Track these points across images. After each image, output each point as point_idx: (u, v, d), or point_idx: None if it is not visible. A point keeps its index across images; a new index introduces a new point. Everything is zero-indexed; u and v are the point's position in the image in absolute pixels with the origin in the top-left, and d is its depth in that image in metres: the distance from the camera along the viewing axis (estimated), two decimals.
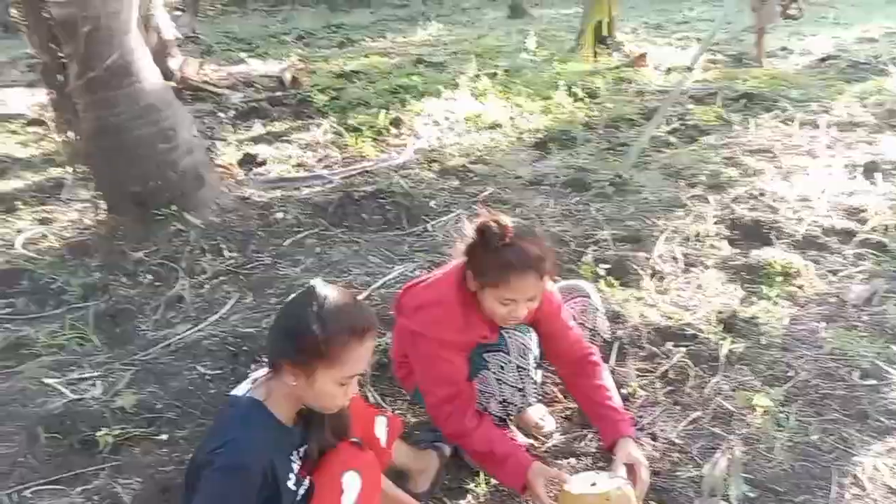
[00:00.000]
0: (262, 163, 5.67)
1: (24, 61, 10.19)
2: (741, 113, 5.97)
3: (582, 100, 6.60)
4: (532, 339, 2.26)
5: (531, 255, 2.04)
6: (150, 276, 3.87)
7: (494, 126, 6.35)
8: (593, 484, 1.99)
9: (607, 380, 2.34)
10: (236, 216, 4.31)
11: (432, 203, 4.68)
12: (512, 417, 2.43)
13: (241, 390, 1.79)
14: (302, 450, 1.79)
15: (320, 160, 5.78)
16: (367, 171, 5.38)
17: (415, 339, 2.24)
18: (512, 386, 2.25)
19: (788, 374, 2.72)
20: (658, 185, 4.67)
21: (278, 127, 6.87)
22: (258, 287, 3.73)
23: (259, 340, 3.20)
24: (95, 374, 3.10)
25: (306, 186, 5.06)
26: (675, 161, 5.00)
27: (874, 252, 3.56)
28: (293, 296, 1.82)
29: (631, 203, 4.42)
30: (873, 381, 2.63)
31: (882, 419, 2.44)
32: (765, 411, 2.52)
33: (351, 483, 1.75)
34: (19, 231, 4.58)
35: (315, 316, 1.64)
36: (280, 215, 4.41)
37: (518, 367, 2.23)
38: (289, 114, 7.40)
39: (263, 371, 1.81)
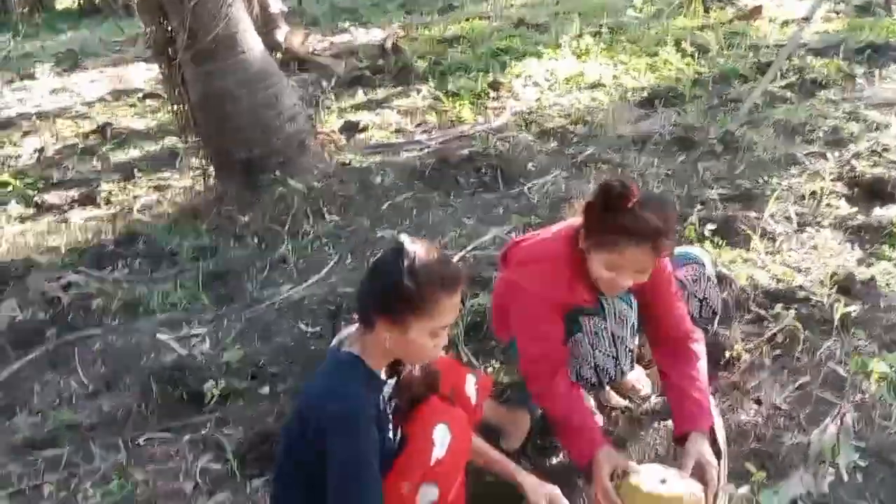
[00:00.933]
0: (363, 129, 5.74)
1: (143, 37, 10.72)
2: (865, 65, 5.52)
3: (691, 56, 6.28)
4: (632, 309, 2.17)
5: (650, 226, 1.91)
6: (255, 239, 4.02)
7: (596, 85, 6.15)
8: (663, 481, 1.89)
9: (702, 369, 2.18)
10: (337, 181, 4.39)
11: (530, 165, 4.61)
12: (605, 385, 2.36)
13: (336, 346, 1.84)
14: (393, 402, 1.83)
15: (418, 125, 5.79)
16: (464, 135, 5.35)
17: (516, 293, 2.19)
18: (605, 353, 2.18)
19: None
20: (772, 142, 4.41)
21: (380, 94, 6.93)
22: (357, 249, 3.81)
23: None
24: (204, 330, 3.26)
25: (404, 151, 5.09)
26: (790, 117, 4.69)
27: None
28: (382, 252, 1.83)
29: (741, 161, 4.19)
30: None
31: None
32: (881, 378, 2.35)
33: (442, 436, 1.77)
34: (136, 198, 4.86)
35: (406, 270, 1.68)
36: (378, 180, 4.46)
37: (613, 334, 2.15)
38: (390, 81, 7.45)
39: (353, 328, 1.85)
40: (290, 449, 1.79)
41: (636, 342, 2.31)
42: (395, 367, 1.83)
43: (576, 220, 2.12)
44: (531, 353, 2.15)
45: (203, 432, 2.60)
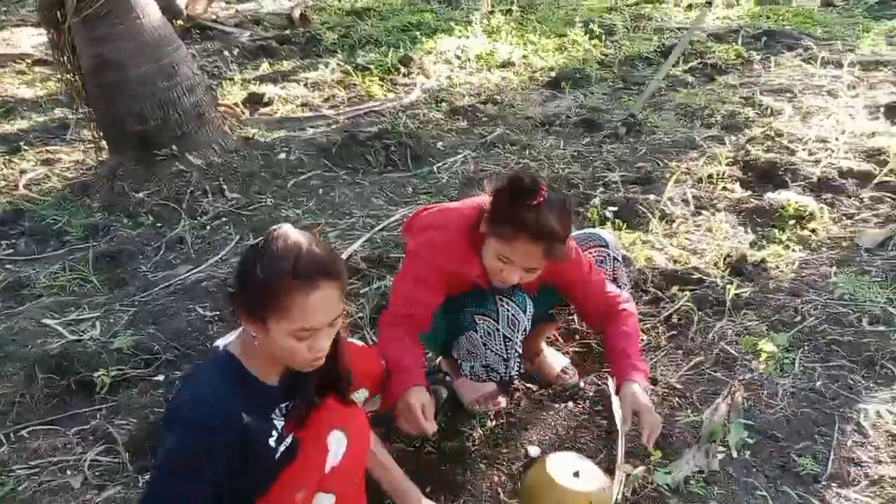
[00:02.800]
0: (268, 103, 5.56)
1: None
2: (762, 51, 5.74)
3: (598, 37, 6.38)
4: (526, 314, 2.17)
5: (548, 227, 1.92)
6: (151, 217, 3.84)
7: (506, 65, 6.17)
8: (576, 474, 1.91)
9: (632, 325, 2.24)
10: (239, 156, 4.24)
11: (439, 144, 4.58)
12: (493, 380, 2.36)
13: (223, 341, 1.69)
14: (285, 406, 1.70)
15: (326, 100, 5.66)
16: (373, 111, 5.27)
17: (410, 258, 2.19)
18: (497, 354, 2.20)
19: (795, 319, 2.65)
20: (672, 125, 4.53)
21: (286, 66, 6.73)
22: (260, 228, 3.68)
23: None
24: (94, 314, 3.10)
25: (311, 126, 4.97)
26: (691, 101, 4.83)
27: (891, 196, 3.43)
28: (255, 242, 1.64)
29: (643, 144, 4.29)
30: (882, 328, 2.55)
31: (889, 366, 2.38)
32: (769, 357, 2.46)
33: (337, 443, 1.69)
34: (23, 172, 4.55)
35: (259, 262, 1.51)
36: (283, 156, 4.33)
37: (505, 336, 2.16)
38: (297, 52, 7.24)
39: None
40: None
41: (521, 349, 2.28)
42: (290, 370, 1.68)
43: (485, 198, 2.10)
44: (397, 313, 2.14)
45: (93, 423, 2.47)
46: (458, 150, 4.49)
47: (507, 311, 2.14)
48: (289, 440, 1.68)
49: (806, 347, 2.51)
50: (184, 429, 1.51)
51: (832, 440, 2.13)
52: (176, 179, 4.00)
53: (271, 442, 1.65)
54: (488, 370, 2.24)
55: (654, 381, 2.44)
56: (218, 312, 3.03)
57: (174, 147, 4.06)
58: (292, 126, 4.98)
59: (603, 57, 6.05)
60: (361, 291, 3.07)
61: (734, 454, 2.11)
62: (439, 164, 4.29)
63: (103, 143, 4.31)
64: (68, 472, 2.27)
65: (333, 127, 4.91)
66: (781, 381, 2.36)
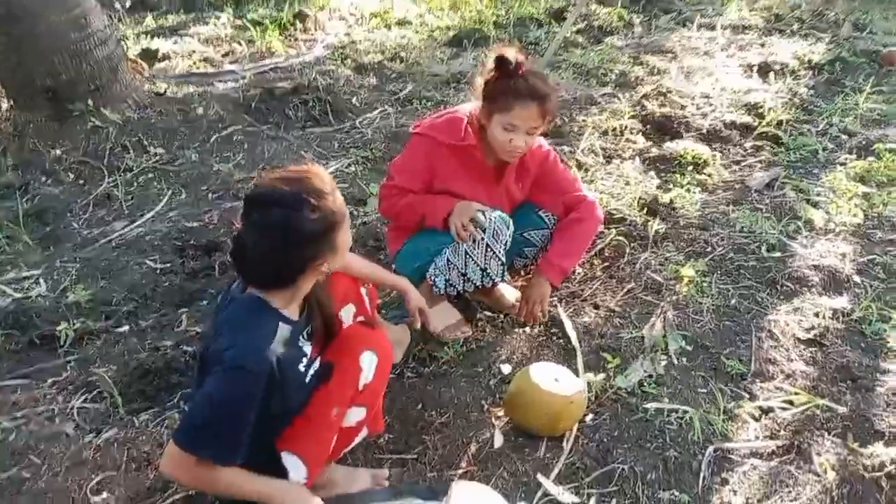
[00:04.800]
0: (165, 58, 5.42)
1: None
2: (641, 15, 6.21)
3: None
4: (508, 229, 2.44)
5: (538, 89, 2.29)
6: (71, 175, 3.73)
7: (403, 23, 6.31)
8: (556, 380, 2.19)
9: (582, 220, 2.59)
10: (154, 112, 4.16)
11: (354, 100, 4.69)
12: (468, 293, 2.62)
13: (238, 288, 1.78)
14: (306, 333, 1.84)
15: (225, 55, 5.59)
16: (279, 67, 5.27)
17: (411, 140, 2.49)
18: (476, 262, 2.44)
19: (707, 249, 3.05)
20: (572, 83, 4.87)
21: (171, 20, 6.52)
22: (191, 183, 3.70)
23: (204, 234, 3.22)
24: (35, 272, 3.04)
25: (219, 82, 4.91)
26: (585, 61, 5.20)
27: (770, 144, 3.94)
28: (251, 219, 1.68)
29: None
30: (778, 254, 3.00)
31: (788, 284, 2.82)
32: (690, 281, 2.84)
33: (369, 361, 1.87)
34: None
35: (302, 209, 1.63)
36: (201, 111, 4.29)
37: (488, 245, 2.41)
38: (178, 5, 7.04)
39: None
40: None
41: (504, 259, 2.54)
42: (304, 304, 1.83)
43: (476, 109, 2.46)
44: (394, 183, 2.47)
45: (66, 374, 2.48)
46: (375, 105, 4.62)
47: (493, 222, 2.41)
48: (316, 363, 1.85)
49: (719, 272, 2.92)
50: (228, 375, 1.62)
51: (751, 345, 2.53)
52: (93, 136, 3.89)
53: (301, 367, 1.80)
54: (465, 279, 2.48)
55: (596, 306, 2.77)
56: (168, 265, 3.06)
57: (89, 102, 3.94)
58: (199, 82, 4.90)
59: (496, 17, 6.31)
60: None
61: (675, 361, 2.47)
62: (359, 120, 4.41)
63: (4, 98, 4.10)
64: (57, 421, 2.29)
65: (242, 82, 4.88)
66: (703, 301, 2.75)
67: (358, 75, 5.11)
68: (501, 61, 2.32)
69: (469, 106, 2.52)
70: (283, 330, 1.73)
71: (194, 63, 5.32)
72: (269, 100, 4.47)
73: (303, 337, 1.84)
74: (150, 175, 3.77)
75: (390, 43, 5.75)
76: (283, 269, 1.69)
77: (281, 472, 1.80)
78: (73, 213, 3.47)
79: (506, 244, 2.46)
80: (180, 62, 5.34)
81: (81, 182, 3.71)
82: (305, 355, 1.83)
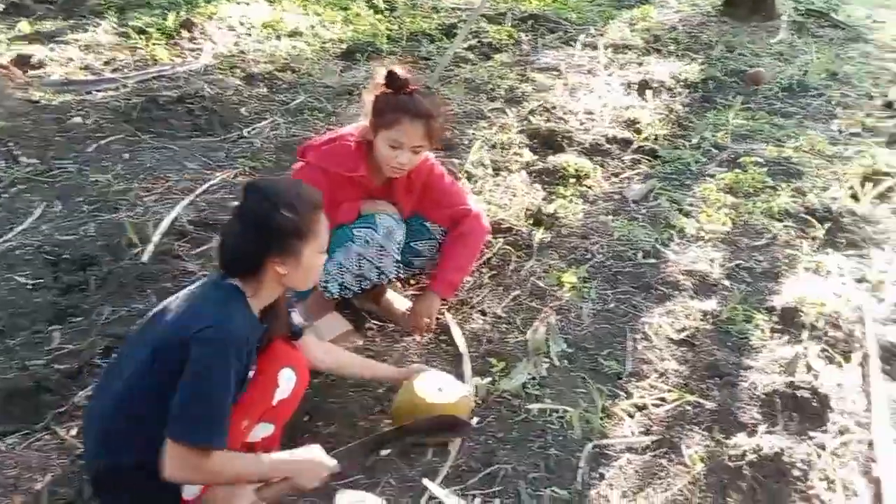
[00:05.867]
0: (40, 65, 5.16)
1: None
2: (529, 33, 6.41)
3: (381, 12, 6.68)
4: (400, 229, 2.48)
5: (425, 108, 2.36)
6: None
7: (294, 34, 6.26)
8: (440, 389, 2.23)
9: (468, 234, 2.63)
10: (28, 120, 3.97)
11: (243, 110, 4.62)
12: (364, 291, 2.63)
13: (217, 277, 1.86)
14: (258, 340, 1.89)
15: (107, 63, 5.37)
16: (163, 76, 5.12)
17: (299, 167, 2.47)
18: (370, 262, 2.46)
19: (587, 256, 3.19)
20: (462, 97, 4.97)
21: (48, 26, 6.22)
22: (66, 195, 3.54)
23: (79, 248, 3.09)
24: None
25: (99, 90, 4.72)
26: (475, 76, 5.32)
27: (647, 157, 4.15)
28: (238, 203, 1.87)
29: (440, 115, 4.68)
30: (653, 260, 3.17)
31: (662, 288, 2.98)
32: (571, 287, 2.96)
33: (287, 379, 1.87)
34: None
35: (283, 206, 1.78)
36: (78, 119, 4.11)
37: (381, 245, 2.44)
38: (56, 12, 6.71)
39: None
40: (152, 372, 1.74)
41: (398, 258, 2.59)
42: (265, 313, 1.89)
43: (363, 128, 2.49)
44: None
45: None
46: (264, 115, 4.57)
47: (385, 223, 2.44)
48: (251, 373, 1.84)
49: (598, 278, 3.05)
50: (216, 345, 1.69)
51: (627, 347, 2.66)
52: None
53: (250, 374, 1.84)
54: (360, 279, 2.49)
55: (483, 313, 2.83)
56: (40, 280, 2.91)
57: None
58: (78, 89, 4.70)
59: (389, 31, 6.36)
60: (194, 252, 3.13)
61: (556, 363, 2.56)
62: (248, 129, 4.35)
63: None
64: None
65: (124, 91, 4.72)
66: (583, 305, 2.87)
67: (247, 85, 5.03)
68: (390, 77, 2.36)
69: (350, 128, 2.55)
70: (252, 321, 1.81)
71: (72, 70, 5.10)
72: (152, 109, 4.35)
73: (257, 343, 1.88)
74: (22, 186, 3.58)
75: (281, 53, 5.70)
76: (245, 254, 1.80)
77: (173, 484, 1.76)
78: None
79: (399, 242, 2.50)
80: (57, 69, 5.10)
81: None
82: (254, 360, 1.85)
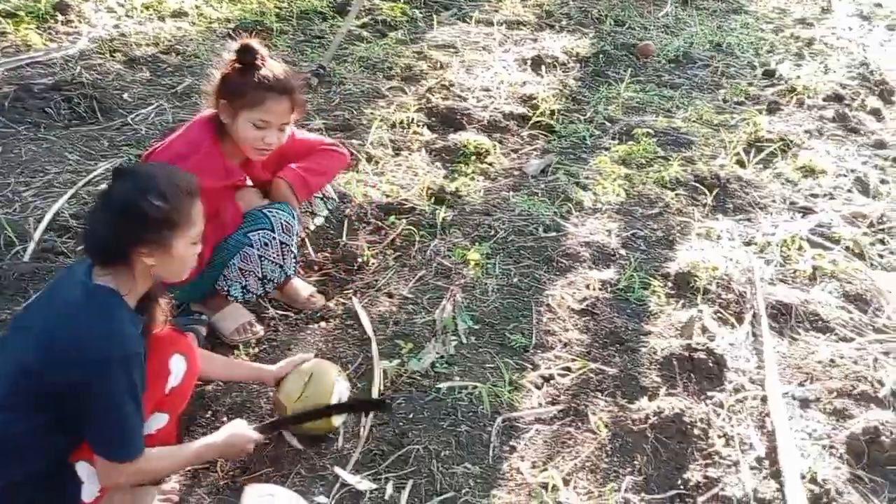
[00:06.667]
0: None
1: None
2: (423, 10, 6.36)
3: None
4: (294, 219, 2.40)
5: (287, 81, 2.22)
6: None
7: (179, 14, 5.98)
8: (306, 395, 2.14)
9: (322, 155, 2.57)
10: None
11: (125, 96, 4.39)
12: (269, 293, 2.56)
13: (83, 279, 1.71)
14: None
15: None
16: (37, 62, 4.80)
17: None
18: (273, 262, 2.38)
19: (490, 233, 3.20)
20: (358, 77, 4.89)
21: None
22: None
23: None
24: None
25: None
26: (370, 54, 5.24)
27: (544, 133, 4.20)
28: (104, 188, 1.80)
29: (336, 94, 4.59)
30: (554, 234, 3.22)
31: (563, 261, 3.04)
32: (476, 264, 2.97)
33: (178, 366, 1.79)
34: None
35: (152, 192, 1.67)
36: None
37: (281, 242, 2.36)
38: None
39: (86, 265, 1.74)
40: (27, 389, 1.64)
41: (297, 251, 2.55)
42: (141, 301, 1.79)
43: (204, 113, 2.32)
44: None
45: None
46: (149, 101, 4.36)
47: (279, 218, 2.35)
48: None
49: (502, 254, 3.07)
50: (115, 365, 1.61)
51: (532, 319, 2.70)
52: None
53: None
54: (264, 282, 2.41)
55: (390, 295, 2.81)
56: None
57: None
58: None
59: (278, 10, 6.18)
60: (79, 248, 2.96)
61: (464, 340, 2.57)
62: (132, 116, 4.13)
63: None
64: None
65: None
66: (488, 281, 2.89)
67: (129, 69, 4.78)
68: (246, 52, 2.21)
69: (184, 126, 2.37)
70: (135, 320, 1.73)
71: None
72: (25, 98, 4.06)
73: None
74: None
75: (165, 35, 5.43)
76: (110, 240, 1.69)
77: (70, 486, 1.69)
78: None
79: (297, 234, 2.43)
80: None
81: None
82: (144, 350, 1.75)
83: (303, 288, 2.75)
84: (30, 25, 5.34)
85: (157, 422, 1.82)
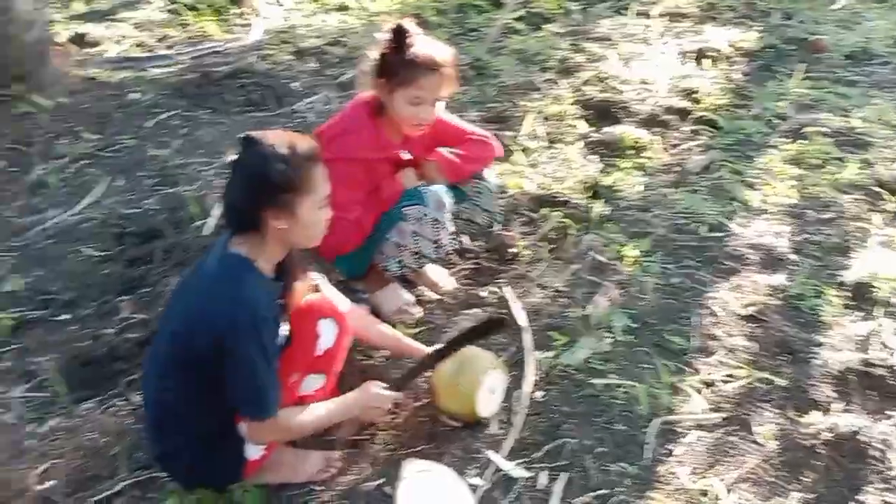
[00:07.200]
0: (95, 43, 5.24)
1: None
2: (580, 2, 6.28)
3: None
4: (449, 196, 2.46)
5: (438, 57, 2.33)
6: (1, 163, 3.57)
7: (342, 8, 6.23)
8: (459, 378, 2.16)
9: (475, 147, 2.62)
10: (88, 97, 4.03)
11: (294, 85, 4.63)
12: (422, 268, 2.64)
13: (221, 249, 1.84)
14: (280, 301, 1.90)
15: (160, 40, 5.43)
16: (217, 52, 5.15)
17: (329, 167, 2.35)
18: (426, 238, 2.45)
19: (648, 230, 3.12)
20: (513, 69, 4.90)
21: (102, 5, 6.30)
22: (128, 169, 3.60)
23: (143, 221, 3.14)
24: None
25: (153, 67, 4.78)
26: (525, 47, 5.23)
27: (707, 128, 4.04)
28: (236, 156, 1.85)
29: (491, 86, 4.62)
30: (718, 234, 3.09)
31: (727, 262, 2.91)
32: (633, 261, 2.91)
33: (327, 328, 1.88)
34: None
35: (275, 157, 1.74)
36: (136, 96, 4.17)
37: (434, 219, 2.43)
38: None
39: (227, 237, 1.86)
40: (177, 354, 1.78)
41: (452, 227, 2.58)
42: (279, 268, 1.89)
43: (363, 94, 2.46)
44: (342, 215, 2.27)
45: (6, 364, 2.40)
46: (316, 90, 4.57)
47: (433, 195, 2.43)
48: (286, 326, 1.87)
49: (660, 252, 2.98)
50: (241, 328, 1.71)
51: (693, 322, 2.61)
52: (23, 122, 3.74)
53: (281, 332, 1.86)
54: (419, 257, 2.49)
55: (542, 287, 2.80)
56: (107, 252, 2.98)
57: (15, 87, 3.78)
58: (133, 66, 4.76)
59: (436, 3, 6.29)
60: None
61: (619, 337, 2.53)
62: (300, 104, 4.35)
63: None
64: None
65: (178, 67, 4.76)
66: (645, 279, 2.81)
67: (297, 60, 5.03)
68: (399, 32, 2.32)
69: (349, 105, 2.50)
70: (263, 283, 1.81)
71: (127, 48, 5.16)
72: (206, 84, 4.38)
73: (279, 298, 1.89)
74: (86, 161, 3.65)
75: (329, 28, 5.68)
76: (241, 207, 1.78)
77: (235, 445, 1.80)
78: (4, 202, 3.33)
79: (451, 211, 2.49)
80: (112, 47, 5.17)
81: (13, 169, 3.56)
82: (280, 315, 1.86)
83: (435, 272, 2.78)
84: (209, 17, 5.75)
85: (315, 383, 1.92)
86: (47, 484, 1.97)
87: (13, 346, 2.46)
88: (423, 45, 2.33)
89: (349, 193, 2.36)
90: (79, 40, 5.15)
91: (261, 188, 1.75)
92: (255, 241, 1.81)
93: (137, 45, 5.22)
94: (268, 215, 1.76)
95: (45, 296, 2.69)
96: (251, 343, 1.72)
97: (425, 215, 2.42)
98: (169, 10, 5.98)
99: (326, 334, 1.89)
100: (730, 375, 2.38)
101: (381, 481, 2.00)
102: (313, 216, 1.82)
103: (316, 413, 1.93)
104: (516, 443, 2.14)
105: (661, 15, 5.74)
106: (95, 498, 1.93)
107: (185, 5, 6.00)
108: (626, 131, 3.90)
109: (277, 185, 1.74)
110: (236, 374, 1.74)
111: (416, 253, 2.49)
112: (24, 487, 1.96)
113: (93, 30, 5.39)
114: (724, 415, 2.23)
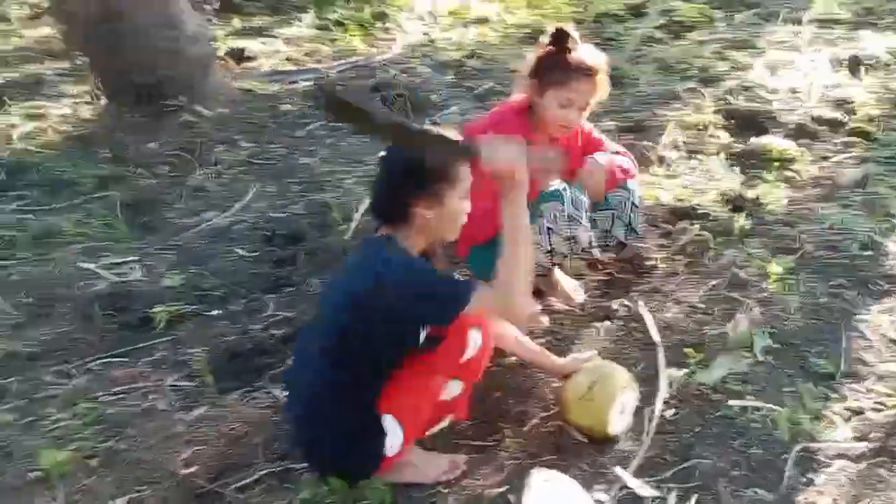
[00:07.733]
0: (250, 57, 5.60)
1: None
2: (723, 10, 6.06)
3: None
4: (585, 196, 2.50)
5: (593, 64, 2.39)
6: (166, 167, 3.90)
7: (481, 21, 6.33)
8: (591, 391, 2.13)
9: (625, 154, 2.68)
10: (245, 108, 4.33)
11: (433, 97, 4.75)
12: (555, 266, 2.64)
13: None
14: None
15: (308, 54, 5.73)
16: (359, 65, 5.38)
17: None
18: (560, 235, 2.46)
19: (794, 246, 2.96)
20: (652, 78, 4.80)
21: (257, 22, 6.73)
22: (278, 176, 3.82)
23: (290, 225, 3.34)
24: (132, 258, 3.20)
25: (302, 80, 5.05)
26: (666, 55, 5.11)
27: (862, 140, 3.78)
28: (385, 152, 1.92)
29: (629, 95, 4.55)
30: (871, 252, 2.89)
31: (881, 283, 2.72)
32: (777, 278, 2.77)
33: (475, 338, 1.92)
34: (13, 126, 4.51)
35: (429, 154, 1.80)
36: (288, 107, 4.43)
37: (570, 216, 2.44)
38: (264, 8, 7.24)
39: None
40: (332, 341, 1.87)
41: (589, 226, 2.57)
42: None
43: (516, 97, 2.54)
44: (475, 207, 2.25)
45: (160, 354, 2.61)
46: (453, 102, 4.67)
47: (571, 194, 2.47)
48: (427, 328, 1.91)
49: (807, 270, 2.82)
50: (399, 261, 1.82)
51: (841, 345, 2.45)
52: (186, 130, 4.07)
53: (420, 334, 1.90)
54: (552, 254, 2.51)
55: (678, 302, 2.73)
56: (256, 253, 3.18)
57: (181, 98, 4.12)
58: (283, 79, 5.06)
59: (574, 14, 6.26)
60: None
61: (760, 358, 2.41)
62: (439, 115, 4.46)
63: (100, 94, 4.32)
64: (151, 398, 2.42)
65: (325, 80, 5.01)
66: (790, 298, 2.67)
67: (436, 72, 5.16)
68: (559, 35, 2.37)
69: (499, 106, 2.59)
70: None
71: (280, 62, 5.49)
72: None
73: None
74: (241, 168, 3.91)
75: (467, 41, 5.79)
76: (392, 198, 1.85)
77: (376, 436, 1.85)
78: (166, 204, 3.63)
79: (587, 210, 2.51)
80: (266, 61, 5.51)
81: (175, 174, 3.88)
82: None
83: (567, 283, 2.77)
84: (355, 33, 6.01)
85: (454, 389, 1.95)
86: (192, 468, 2.11)
87: (169, 338, 2.68)
88: (582, 49, 2.40)
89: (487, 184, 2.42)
90: (236, 55, 5.54)
91: (415, 178, 1.81)
92: (400, 232, 1.87)
93: (288, 60, 5.55)
94: (418, 204, 1.83)
95: (199, 292, 2.90)
96: (410, 266, 1.80)
97: (562, 212, 2.44)
98: (318, 27, 6.32)
99: (474, 343, 1.92)
100: (880, 404, 2.21)
101: (504, 489, 2.01)
102: (457, 206, 1.87)
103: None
104: (645, 461, 2.09)
105: (812, 21, 5.44)
106: (236, 484, 2.05)
107: (333, 21, 6.32)
108: (772, 142, 3.73)
109: (432, 174, 1.81)
110: (421, 296, 1.80)
111: (550, 251, 2.50)
112: (171, 471, 2.11)
113: (249, 45, 5.78)
114: (871, 445, 2.08)
